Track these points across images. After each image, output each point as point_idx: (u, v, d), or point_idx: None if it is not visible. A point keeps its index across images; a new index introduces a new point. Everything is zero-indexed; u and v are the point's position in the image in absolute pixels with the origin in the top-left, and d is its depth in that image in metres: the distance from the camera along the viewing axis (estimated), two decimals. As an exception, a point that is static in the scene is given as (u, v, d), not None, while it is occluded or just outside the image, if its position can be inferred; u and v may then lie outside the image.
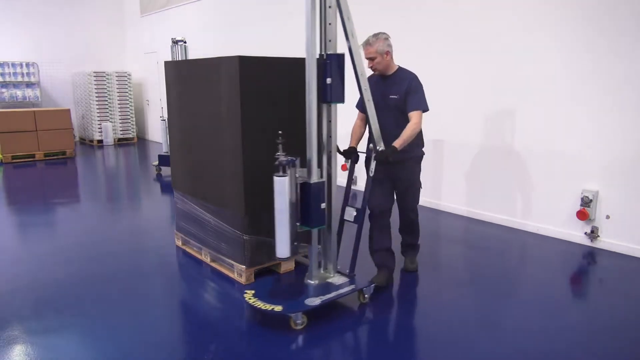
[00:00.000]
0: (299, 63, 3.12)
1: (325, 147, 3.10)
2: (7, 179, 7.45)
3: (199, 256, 4.03)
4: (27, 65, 10.84)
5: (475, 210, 5.15)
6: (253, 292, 3.11)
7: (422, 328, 2.97)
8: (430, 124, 5.41)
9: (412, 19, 5.47)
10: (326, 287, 3.14)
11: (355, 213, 3.24)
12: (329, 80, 2.93)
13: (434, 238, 4.68)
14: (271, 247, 3.20)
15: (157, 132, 10.75)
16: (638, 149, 3.92)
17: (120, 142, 11.33)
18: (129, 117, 11.41)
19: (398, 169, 3.36)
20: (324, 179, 3.06)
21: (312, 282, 3.21)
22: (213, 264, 3.84)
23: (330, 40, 2.98)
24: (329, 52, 2.97)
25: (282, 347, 2.70)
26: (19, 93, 10.81)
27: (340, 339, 2.82)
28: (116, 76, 11.08)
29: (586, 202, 4.18)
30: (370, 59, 3.23)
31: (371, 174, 3.17)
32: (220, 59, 3.43)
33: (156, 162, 7.74)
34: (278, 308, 2.87)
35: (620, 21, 3.88)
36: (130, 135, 11.51)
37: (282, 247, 2.95)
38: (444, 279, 3.69)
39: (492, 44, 4.75)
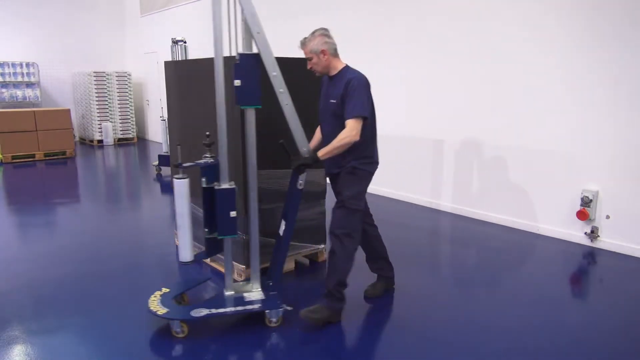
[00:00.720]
0: (300, 63, 3.11)
1: (248, 152, 2.92)
2: (7, 179, 7.44)
3: (199, 256, 4.03)
4: (27, 65, 10.83)
5: (475, 210, 5.15)
6: (167, 290, 3.04)
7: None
8: (431, 124, 5.45)
9: (412, 21, 5.47)
10: (234, 301, 2.96)
11: (284, 227, 3.01)
12: (237, 82, 2.70)
13: (433, 238, 4.68)
14: (271, 247, 3.20)
15: (157, 132, 10.76)
16: (638, 149, 3.92)
17: (120, 142, 11.33)
18: (129, 117, 11.41)
19: (336, 182, 3.02)
20: (234, 185, 2.85)
21: (226, 292, 3.04)
22: (213, 264, 3.84)
23: (244, 38, 2.78)
24: (240, 52, 2.76)
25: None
26: (19, 93, 10.81)
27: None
28: (116, 76, 11.08)
29: (586, 202, 4.18)
30: (308, 60, 2.93)
31: (299, 187, 2.92)
32: (220, 59, 3.42)
33: (156, 162, 7.74)
34: (162, 311, 2.79)
35: (620, 21, 3.88)
36: (130, 135, 11.51)
37: (184, 251, 2.83)
38: (443, 279, 3.69)
39: (492, 44, 4.75)
